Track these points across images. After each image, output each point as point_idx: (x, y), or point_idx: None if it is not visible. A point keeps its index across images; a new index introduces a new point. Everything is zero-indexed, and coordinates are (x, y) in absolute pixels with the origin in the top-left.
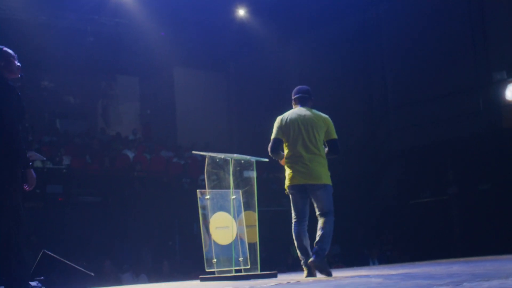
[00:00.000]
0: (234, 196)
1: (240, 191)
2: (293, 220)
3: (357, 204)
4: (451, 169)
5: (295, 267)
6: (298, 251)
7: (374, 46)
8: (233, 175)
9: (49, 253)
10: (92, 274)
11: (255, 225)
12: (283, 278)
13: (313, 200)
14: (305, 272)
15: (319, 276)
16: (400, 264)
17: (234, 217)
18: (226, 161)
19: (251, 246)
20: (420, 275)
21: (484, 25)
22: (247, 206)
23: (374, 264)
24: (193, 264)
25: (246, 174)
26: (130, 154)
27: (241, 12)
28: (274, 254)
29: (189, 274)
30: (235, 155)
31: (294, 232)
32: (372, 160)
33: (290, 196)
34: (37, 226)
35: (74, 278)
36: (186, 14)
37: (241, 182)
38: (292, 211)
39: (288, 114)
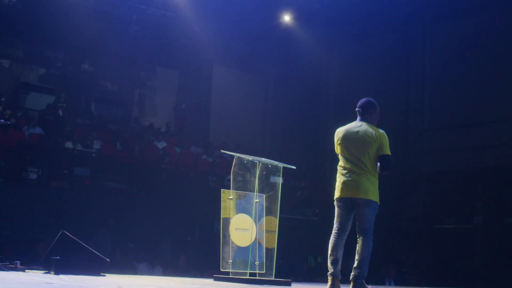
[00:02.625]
0: (257, 200)
1: (264, 196)
2: (334, 231)
3: (381, 222)
4: (479, 198)
5: (310, 277)
6: (328, 260)
7: (415, 65)
8: (259, 178)
9: (68, 234)
10: (108, 260)
11: (275, 231)
12: (296, 287)
13: (356, 215)
14: (329, 284)
15: None
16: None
17: (255, 221)
18: (253, 164)
19: (269, 251)
20: None
21: None
22: (269, 211)
23: (389, 284)
24: (209, 262)
25: (272, 179)
26: (161, 146)
27: (287, 18)
28: (291, 262)
29: (205, 272)
30: (263, 159)
31: (331, 241)
32: (401, 180)
33: (336, 208)
34: (61, 206)
35: (90, 262)
36: (232, 15)
37: (266, 187)
38: (335, 222)
39: (343, 129)
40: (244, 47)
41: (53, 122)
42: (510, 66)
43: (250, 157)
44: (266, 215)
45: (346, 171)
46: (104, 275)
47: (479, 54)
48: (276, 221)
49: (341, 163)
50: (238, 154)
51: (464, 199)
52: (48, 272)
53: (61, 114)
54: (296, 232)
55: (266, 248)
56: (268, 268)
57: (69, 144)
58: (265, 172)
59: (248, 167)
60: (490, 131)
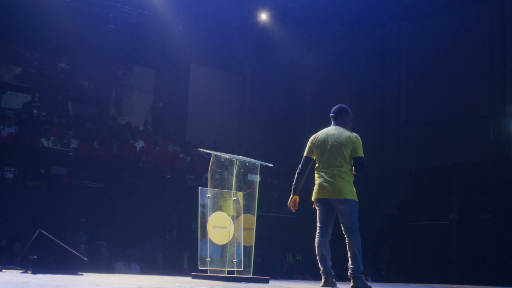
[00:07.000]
0: (235, 198)
1: (242, 193)
2: (317, 231)
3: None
4: (454, 195)
5: (289, 274)
6: (318, 259)
7: (391, 64)
8: (236, 176)
9: (45, 233)
10: (85, 259)
11: (253, 229)
12: (274, 284)
13: (338, 215)
14: (323, 281)
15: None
16: (393, 284)
17: (232, 219)
18: (231, 162)
19: (246, 249)
20: None
21: (504, 56)
22: (247, 209)
23: (367, 281)
24: (187, 261)
25: (250, 177)
26: (138, 145)
27: (264, 16)
28: (269, 260)
29: (183, 270)
30: (240, 157)
31: (316, 242)
32: (377, 177)
33: (316, 208)
34: (39, 205)
35: (67, 261)
36: (209, 13)
37: (244, 185)
38: (317, 223)
39: (320, 133)
40: (221, 46)
41: (29, 121)
42: (483, 64)
43: (227, 155)
44: (243, 213)
45: (322, 173)
46: (82, 274)
47: (454, 52)
48: (253, 218)
49: (317, 165)
50: (216, 152)
51: (440, 195)
52: (25, 272)
53: (36, 114)
54: (274, 229)
55: (244, 246)
56: (246, 266)
57: (46, 143)
58: (242, 170)
59: (225, 165)
60: (465, 128)
